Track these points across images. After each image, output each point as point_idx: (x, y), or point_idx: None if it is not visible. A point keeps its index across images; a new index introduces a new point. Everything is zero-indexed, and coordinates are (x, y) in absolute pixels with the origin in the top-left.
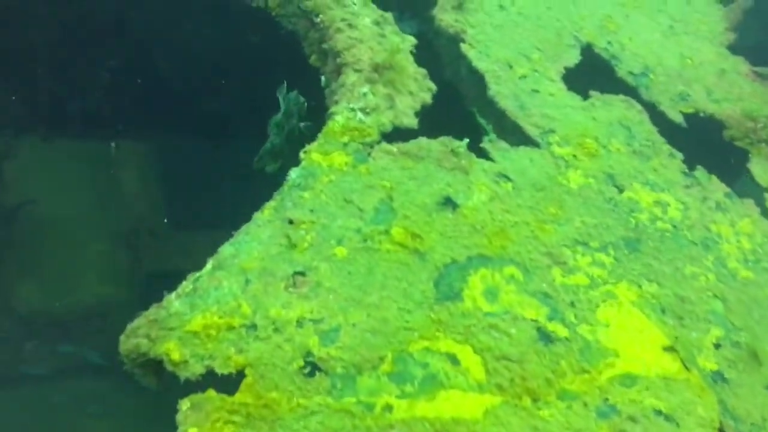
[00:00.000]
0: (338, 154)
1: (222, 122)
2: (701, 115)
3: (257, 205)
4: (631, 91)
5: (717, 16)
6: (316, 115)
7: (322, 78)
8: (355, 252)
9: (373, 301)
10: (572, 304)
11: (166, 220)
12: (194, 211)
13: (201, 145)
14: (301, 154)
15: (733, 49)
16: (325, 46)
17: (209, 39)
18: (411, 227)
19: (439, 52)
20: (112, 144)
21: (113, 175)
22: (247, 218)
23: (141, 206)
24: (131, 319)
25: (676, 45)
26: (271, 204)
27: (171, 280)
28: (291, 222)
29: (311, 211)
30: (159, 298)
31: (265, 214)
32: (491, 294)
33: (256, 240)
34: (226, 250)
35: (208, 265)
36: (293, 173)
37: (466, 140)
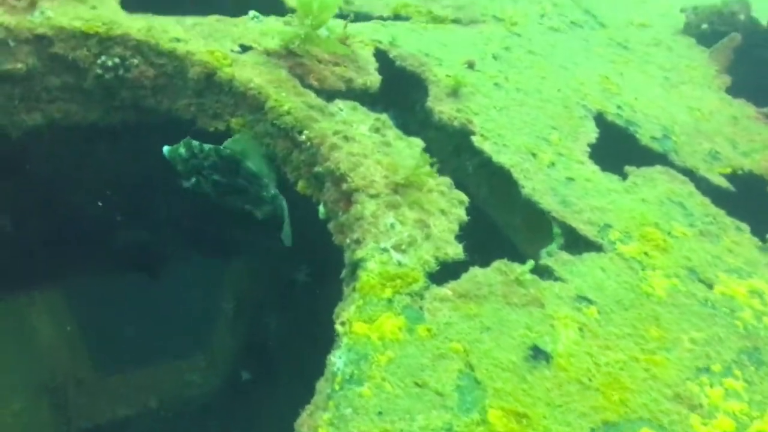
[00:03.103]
0: (386, 318)
1: (144, 252)
2: (740, 173)
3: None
4: (661, 158)
5: (702, 59)
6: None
7: (320, 209)
8: None
9: None
10: None
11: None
12: (122, 351)
13: (121, 279)
14: (338, 327)
15: (729, 90)
16: (318, 169)
17: (123, 165)
18: (509, 404)
19: (430, 147)
20: (21, 298)
21: (27, 326)
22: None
23: (62, 355)
24: None
25: (679, 97)
26: (323, 417)
27: None
28: None
29: (379, 414)
30: None
31: None
32: None
33: None
34: None
35: None
36: (338, 361)
37: (530, 263)
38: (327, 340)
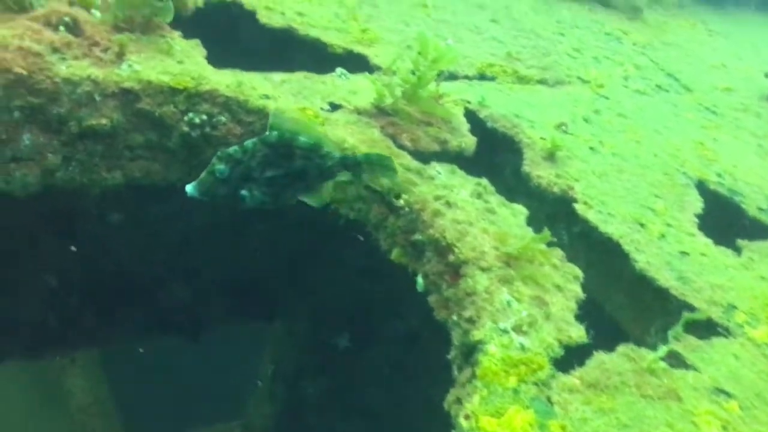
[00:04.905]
0: (515, 411)
1: (188, 315)
2: None
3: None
4: None
5: None
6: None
7: (419, 280)
8: None
9: None
10: None
11: None
12: (156, 417)
13: (158, 342)
14: (462, 422)
15: None
16: (418, 237)
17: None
18: None
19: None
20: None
21: (63, 388)
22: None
23: (95, 420)
24: None
25: None
26: None
27: None
28: None
29: None
30: None
31: None
32: None
33: None
34: None
35: None
36: None
37: (663, 348)
38: (364, 407)
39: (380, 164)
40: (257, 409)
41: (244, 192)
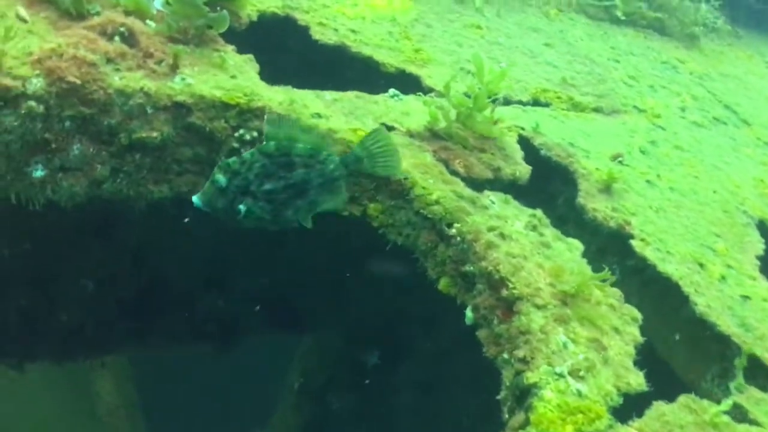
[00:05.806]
0: None
1: (221, 324)
2: None
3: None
4: None
5: None
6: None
7: (468, 313)
8: None
9: None
10: None
11: None
12: (180, 424)
13: (187, 350)
14: None
15: None
16: (470, 268)
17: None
18: None
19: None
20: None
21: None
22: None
23: (121, 424)
24: None
25: None
26: None
27: None
28: None
29: None
30: None
31: None
32: None
33: None
34: None
35: None
36: None
37: (727, 401)
38: (390, 425)
39: (377, 146)
40: (281, 420)
41: (241, 206)
